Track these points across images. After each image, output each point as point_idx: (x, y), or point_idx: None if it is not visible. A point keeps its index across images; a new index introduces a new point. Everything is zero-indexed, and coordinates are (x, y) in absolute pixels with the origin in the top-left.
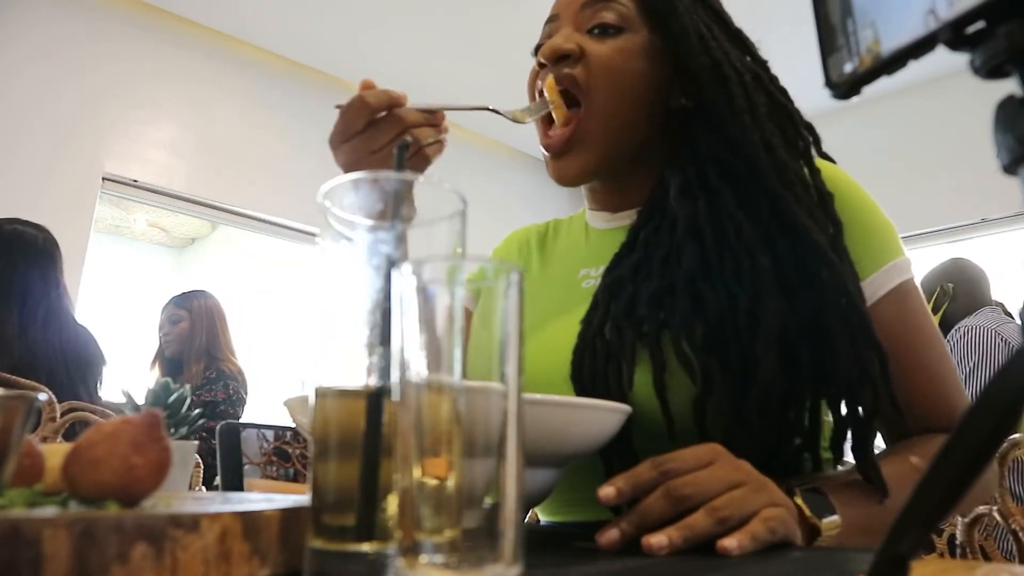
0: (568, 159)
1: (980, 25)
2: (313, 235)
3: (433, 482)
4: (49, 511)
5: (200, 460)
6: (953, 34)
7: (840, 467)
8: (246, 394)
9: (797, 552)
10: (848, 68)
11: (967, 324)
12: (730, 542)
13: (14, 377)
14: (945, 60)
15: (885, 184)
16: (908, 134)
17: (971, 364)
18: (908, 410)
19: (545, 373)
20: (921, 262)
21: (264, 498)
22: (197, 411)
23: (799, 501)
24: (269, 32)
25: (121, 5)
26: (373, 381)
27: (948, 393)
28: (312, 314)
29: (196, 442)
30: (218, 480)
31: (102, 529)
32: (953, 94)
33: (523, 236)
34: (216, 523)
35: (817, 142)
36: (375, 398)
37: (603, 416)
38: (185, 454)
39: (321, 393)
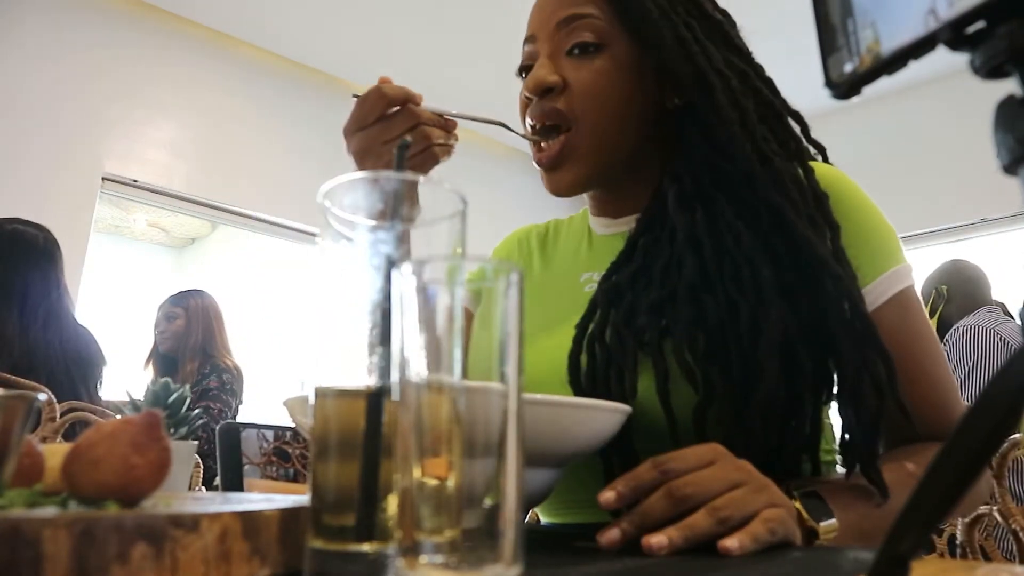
0: (560, 173)
1: (980, 25)
2: (313, 235)
3: (433, 482)
4: (49, 511)
5: (199, 460)
6: (953, 34)
7: (838, 470)
8: (241, 389)
9: (797, 552)
10: (848, 68)
11: (965, 324)
12: (731, 542)
13: (14, 377)
14: (945, 60)
15: (885, 184)
16: (908, 134)
17: (969, 364)
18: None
19: (547, 377)
20: (921, 262)
21: (264, 498)
22: (197, 411)
23: (797, 505)
24: (269, 32)
25: (122, 6)
26: (373, 381)
27: (946, 400)
28: (312, 314)
29: (196, 442)
30: (218, 480)
31: (102, 529)
32: (953, 94)
33: (523, 236)
34: (216, 523)
35: (806, 131)
36: (375, 398)
37: (603, 416)
38: (185, 454)
39: (321, 393)
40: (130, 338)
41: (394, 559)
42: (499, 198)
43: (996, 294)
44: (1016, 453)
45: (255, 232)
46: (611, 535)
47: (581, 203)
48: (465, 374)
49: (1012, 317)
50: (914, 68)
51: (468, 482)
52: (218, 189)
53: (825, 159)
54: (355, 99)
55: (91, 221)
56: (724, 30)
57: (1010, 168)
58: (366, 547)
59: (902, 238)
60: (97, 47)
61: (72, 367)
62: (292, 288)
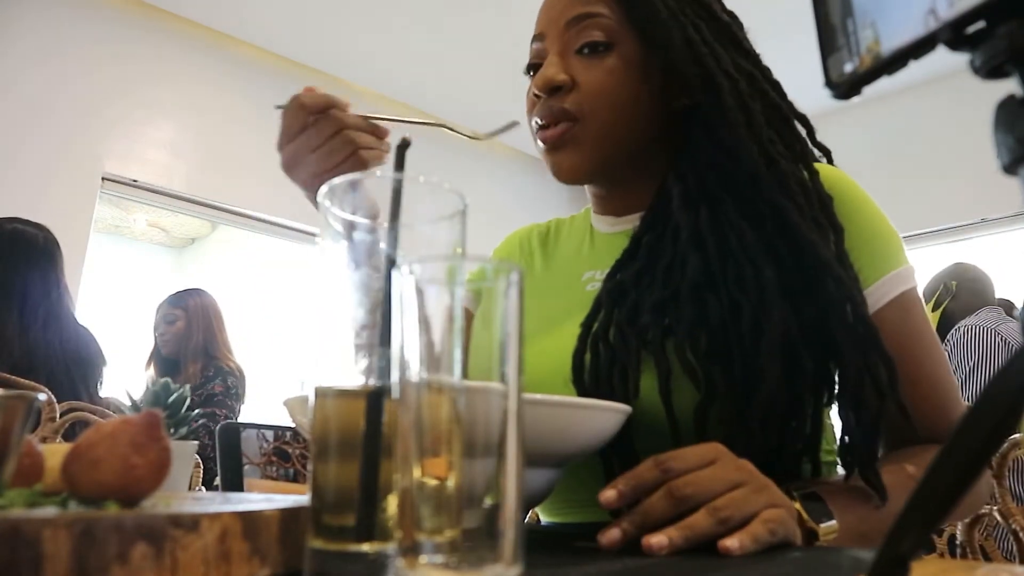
0: (562, 154)
1: (980, 25)
2: (313, 235)
3: (433, 482)
4: (49, 511)
5: (199, 460)
6: (953, 34)
7: (839, 471)
8: (244, 391)
9: (797, 552)
10: (848, 68)
11: (967, 323)
12: (731, 542)
13: (14, 377)
14: (945, 60)
15: (885, 184)
16: (908, 134)
17: (971, 364)
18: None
19: (549, 376)
20: (921, 262)
21: (264, 498)
22: (197, 411)
23: (797, 505)
24: (269, 32)
25: (121, 5)
26: (373, 381)
27: (947, 402)
28: (312, 314)
29: (196, 442)
30: (218, 480)
31: (102, 529)
32: (953, 94)
33: (524, 236)
34: (216, 523)
35: (812, 134)
36: (375, 398)
37: (603, 416)
38: (185, 454)
39: (321, 393)
40: (130, 338)
41: (394, 559)
42: (499, 198)
43: (999, 294)
44: (1016, 453)
45: (255, 232)
46: (611, 535)
47: (583, 203)
48: (465, 374)
49: (1016, 317)
50: (914, 68)
51: (468, 482)
52: (218, 189)
53: (830, 162)
54: (279, 110)
55: (91, 221)
56: (732, 32)
57: (1010, 168)
58: (366, 547)
59: (902, 238)
60: (97, 47)
61: (72, 367)
62: (292, 288)
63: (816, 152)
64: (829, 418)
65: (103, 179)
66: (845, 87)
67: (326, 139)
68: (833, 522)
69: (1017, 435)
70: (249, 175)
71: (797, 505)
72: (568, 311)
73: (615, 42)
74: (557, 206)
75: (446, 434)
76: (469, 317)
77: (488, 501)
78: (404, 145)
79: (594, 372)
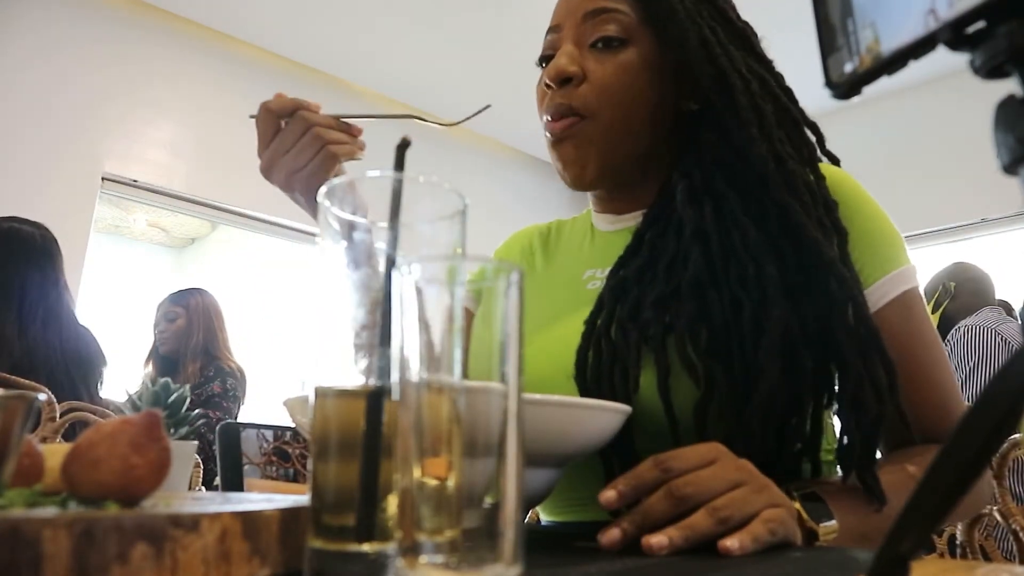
0: (567, 146)
1: (980, 25)
2: (313, 235)
3: (433, 482)
4: (49, 511)
5: (199, 460)
6: (953, 34)
7: (838, 471)
8: (244, 393)
9: (797, 552)
10: (848, 68)
11: (967, 324)
12: (731, 542)
13: (14, 377)
14: (945, 60)
15: (885, 184)
16: (908, 134)
17: (971, 364)
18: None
19: (550, 372)
20: (921, 262)
21: (264, 498)
22: (197, 411)
23: (797, 505)
24: (269, 32)
25: (121, 5)
26: (373, 381)
27: (947, 402)
28: (312, 314)
29: (196, 442)
30: (218, 480)
31: (102, 529)
32: (953, 94)
33: (525, 236)
34: (216, 523)
35: (821, 141)
36: (375, 398)
37: (603, 416)
38: (185, 454)
39: (321, 393)
40: (130, 338)
41: (394, 559)
42: (499, 198)
43: (998, 294)
44: (1016, 453)
45: (255, 232)
46: (611, 535)
47: (582, 204)
48: (465, 374)
49: (1015, 317)
50: (914, 68)
51: (468, 482)
52: (218, 189)
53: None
54: (252, 119)
55: (91, 221)
56: (747, 37)
57: (1010, 168)
58: (366, 547)
59: (902, 237)
60: (97, 46)
61: (72, 367)
62: (292, 288)
63: (825, 159)
64: (830, 418)
65: (103, 179)
66: (845, 87)
67: (296, 139)
68: (833, 522)
69: (1017, 435)
70: (249, 175)
71: (797, 505)
72: (569, 309)
73: (630, 39)
74: (557, 206)
75: (446, 434)
76: (470, 317)
77: (488, 501)
78: (404, 145)
79: (595, 368)
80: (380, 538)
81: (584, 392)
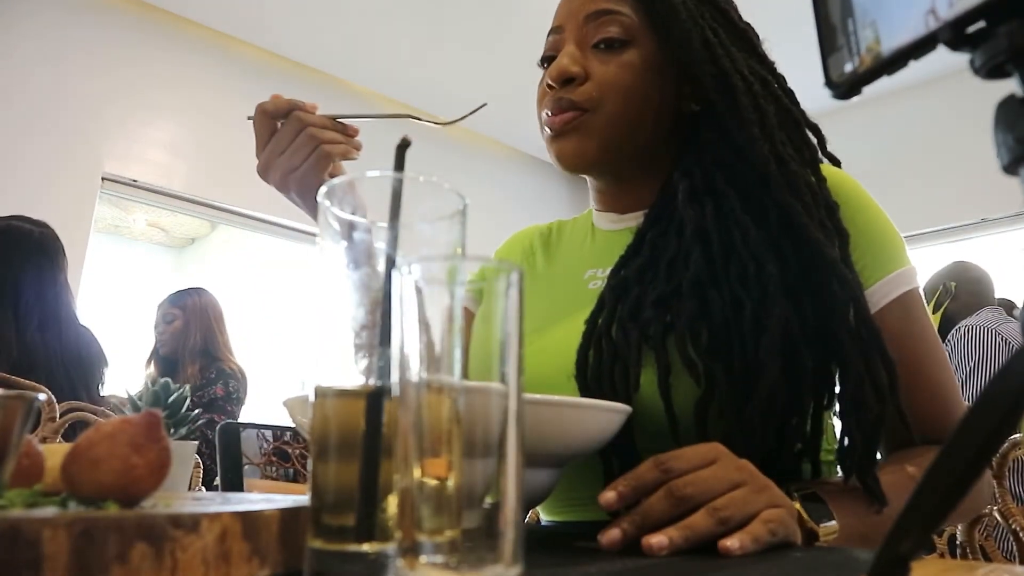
0: (566, 140)
1: (980, 25)
2: (313, 235)
3: (433, 482)
4: (49, 511)
5: (199, 460)
6: (953, 34)
7: (838, 472)
8: (245, 394)
9: (797, 552)
10: (848, 68)
11: (967, 324)
12: (732, 542)
13: (13, 377)
14: (945, 60)
15: (885, 184)
16: (908, 134)
17: (971, 364)
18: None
19: (550, 372)
20: (922, 262)
21: (264, 498)
22: (196, 411)
23: (797, 506)
24: (269, 32)
25: (122, 6)
26: (373, 381)
27: (947, 403)
28: (312, 314)
29: (196, 442)
30: (218, 480)
31: (101, 529)
32: (953, 94)
33: (526, 237)
34: (216, 523)
35: (823, 143)
36: (375, 398)
37: (603, 416)
38: (185, 454)
39: (321, 393)
40: (130, 339)
41: (394, 559)
42: (500, 198)
43: (998, 294)
44: (1016, 453)
45: (255, 232)
46: (612, 535)
47: (582, 204)
48: (465, 374)
49: (1015, 317)
50: (914, 68)
51: (468, 482)
52: (218, 189)
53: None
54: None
55: (91, 221)
56: (749, 38)
57: (1010, 168)
58: (366, 547)
59: (903, 238)
60: (97, 47)
61: (72, 368)
62: (292, 288)
63: (826, 161)
64: (830, 419)
65: (103, 179)
66: (845, 87)
67: (290, 140)
68: (833, 523)
69: (1017, 435)
70: (249, 175)
71: (797, 505)
72: (570, 309)
73: (632, 40)
74: (557, 206)
75: (446, 434)
76: (470, 317)
77: (488, 501)
78: (404, 145)
79: (596, 368)
80: (380, 538)
81: (584, 392)
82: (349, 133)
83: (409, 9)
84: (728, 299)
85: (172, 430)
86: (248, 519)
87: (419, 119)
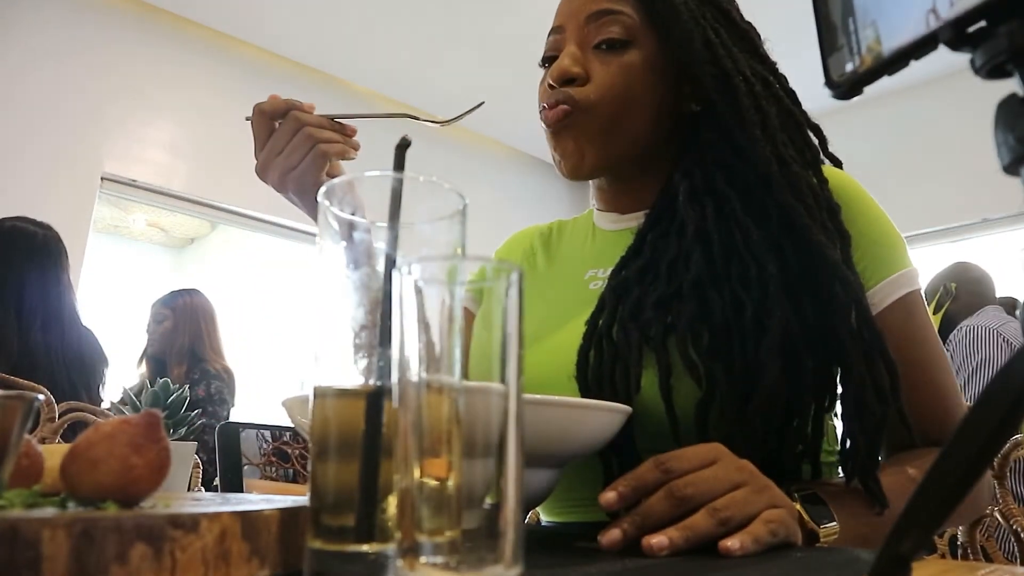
0: (564, 135)
1: (981, 24)
2: (313, 235)
3: (433, 482)
4: (48, 512)
5: (198, 460)
6: (954, 33)
7: (839, 473)
8: (231, 395)
9: (798, 552)
10: (849, 67)
11: (969, 324)
12: (732, 543)
13: (13, 378)
14: (946, 60)
15: (885, 184)
16: (909, 134)
17: (973, 364)
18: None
19: (551, 372)
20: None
21: (263, 498)
22: (195, 412)
23: (798, 507)
24: (269, 32)
25: (122, 6)
26: (373, 381)
27: (948, 404)
28: (312, 314)
29: (195, 442)
30: (217, 481)
31: (101, 530)
32: (953, 94)
33: (526, 237)
34: (215, 523)
35: (824, 144)
36: (375, 398)
37: (603, 416)
38: (184, 454)
39: (320, 393)
40: (129, 339)
41: (394, 560)
42: (500, 198)
43: (999, 294)
44: (1018, 453)
45: (255, 232)
46: (612, 536)
47: (583, 204)
48: (465, 374)
49: (1016, 316)
50: (914, 68)
51: (468, 482)
52: (217, 189)
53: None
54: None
55: (90, 221)
56: (750, 38)
57: (1011, 168)
58: (366, 547)
59: (903, 238)
60: (97, 47)
61: (73, 369)
62: (292, 288)
63: (827, 162)
64: (832, 419)
65: (102, 179)
66: (846, 87)
67: (288, 140)
68: (834, 523)
69: (1018, 435)
70: (248, 175)
71: (798, 506)
72: (571, 309)
73: (633, 40)
74: (557, 206)
75: (446, 434)
76: (470, 317)
77: (488, 502)
78: (404, 145)
79: (597, 369)
80: (380, 538)
81: (585, 392)
82: (347, 133)
83: (409, 9)
84: (729, 300)
85: (172, 430)
86: (248, 519)
87: (417, 118)
